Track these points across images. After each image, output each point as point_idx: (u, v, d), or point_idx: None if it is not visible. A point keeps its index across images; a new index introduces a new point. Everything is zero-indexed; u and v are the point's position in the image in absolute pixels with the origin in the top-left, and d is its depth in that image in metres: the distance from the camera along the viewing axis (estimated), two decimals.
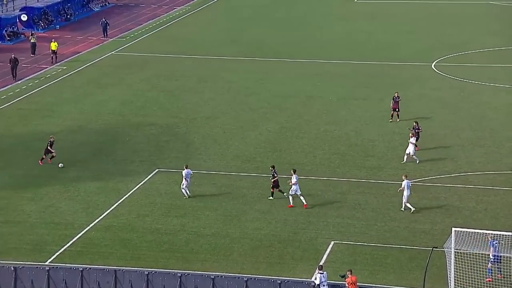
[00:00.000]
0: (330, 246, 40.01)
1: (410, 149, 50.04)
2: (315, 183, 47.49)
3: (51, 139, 51.49)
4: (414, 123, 52.18)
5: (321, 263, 36.63)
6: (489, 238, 35.88)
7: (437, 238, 39.65)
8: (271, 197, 45.31)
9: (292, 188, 44.46)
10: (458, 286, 34.81)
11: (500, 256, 36.05)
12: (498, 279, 36.00)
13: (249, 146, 54.08)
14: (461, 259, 35.29)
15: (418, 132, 51.61)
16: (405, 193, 43.37)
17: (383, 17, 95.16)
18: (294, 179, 44.38)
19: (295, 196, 44.42)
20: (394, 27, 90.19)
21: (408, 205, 43.40)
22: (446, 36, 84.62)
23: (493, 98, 63.69)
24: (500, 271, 36.28)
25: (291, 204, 44.47)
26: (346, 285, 34.37)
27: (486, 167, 49.60)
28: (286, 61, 76.22)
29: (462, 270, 35.14)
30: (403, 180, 43.55)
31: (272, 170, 45.62)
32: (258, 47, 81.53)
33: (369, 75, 70.87)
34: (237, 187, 47.07)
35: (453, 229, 35.31)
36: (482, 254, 35.72)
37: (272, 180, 45.38)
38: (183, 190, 45.88)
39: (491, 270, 36.18)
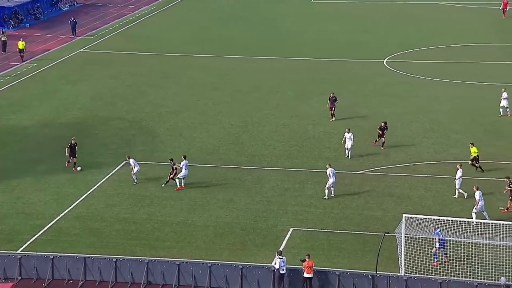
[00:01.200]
0: (289, 232, 41.73)
1: (348, 144, 51.40)
2: (274, 173, 49.36)
3: (72, 141, 50.84)
4: (383, 123, 53.52)
5: (280, 249, 38.40)
6: (432, 228, 37.62)
7: (389, 224, 41.43)
8: (163, 185, 47.37)
9: (181, 173, 47.02)
10: (408, 268, 36.66)
11: (445, 241, 37.86)
12: (444, 262, 37.75)
13: (212, 139, 55.80)
14: (411, 243, 37.15)
15: (382, 132, 53.11)
16: (330, 180, 45.26)
17: (338, 16, 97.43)
18: (182, 164, 47.04)
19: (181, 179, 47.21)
20: (349, 26, 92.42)
21: (327, 191, 45.59)
22: (397, 34, 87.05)
23: (441, 93, 65.85)
24: (446, 254, 38.06)
25: (178, 186, 47.07)
26: (303, 268, 36.30)
27: (434, 157, 51.74)
28: (249, 58, 78.15)
29: (412, 254, 36.98)
30: (327, 169, 45.77)
31: (171, 163, 47.60)
32: (222, 45, 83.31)
33: (326, 71, 72.93)
34: (201, 178, 48.80)
35: (404, 215, 37.38)
36: (430, 238, 37.57)
37: (172, 171, 47.46)
38: (134, 176, 48.13)
39: (437, 254, 37.94)
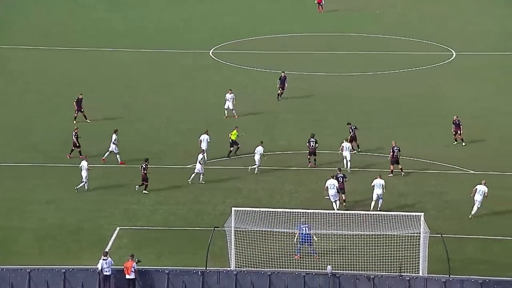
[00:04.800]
0: (116, 232, 40.51)
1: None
2: (101, 170, 47.76)
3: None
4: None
5: (106, 250, 37.02)
6: (301, 223, 37.23)
7: (219, 218, 40.84)
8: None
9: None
10: (239, 262, 36.28)
11: (310, 237, 37.39)
12: (314, 260, 36.99)
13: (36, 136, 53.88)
14: (241, 237, 36.73)
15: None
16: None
17: (156, 4, 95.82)
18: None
19: None
20: (173, 14, 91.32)
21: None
22: (222, 23, 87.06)
23: (267, 82, 65.87)
24: (314, 251, 37.52)
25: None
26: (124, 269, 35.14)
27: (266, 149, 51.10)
28: (74, 50, 75.83)
29: (243, 247, 36.57)
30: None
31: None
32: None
33: (154, 63, 71.97)
34: (19, 178, 46.72)
35: (233, 208, 36.82)
36: (261, 231, 37.06)
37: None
38: None
39: (300, 248, 37.67)
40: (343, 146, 48.07)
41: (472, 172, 48.03)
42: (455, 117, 52.38)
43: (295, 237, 37.40)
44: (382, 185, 42.55)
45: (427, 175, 47.26)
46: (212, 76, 68.21)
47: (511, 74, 68.84)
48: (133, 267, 35.03)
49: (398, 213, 37.36)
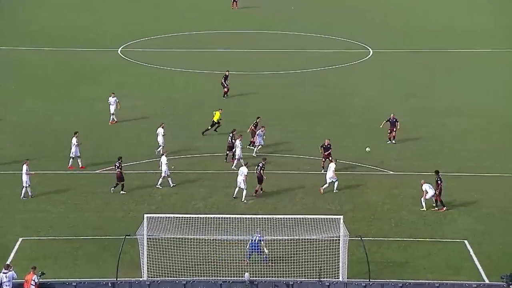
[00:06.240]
0: (18, 243, 38.51)
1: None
2: (1, 177, 45.93)
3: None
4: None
5: (7, 262, 35.02)
6: (256, 232, 36.23)
7: (130, 225, 39.12)
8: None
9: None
10: (152, 272, 35.01)
11: (257, 244, 36.24)
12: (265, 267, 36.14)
13: None
14: (154, 245, 35.44)
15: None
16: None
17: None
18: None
19: None
20: (78, 11, 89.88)
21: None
22: (131, 21, 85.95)
23: (178, 81, 65.06)
24: (266, 259, 36.38)
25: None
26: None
27: (179, 152, 49.98)
28: None
29: (156, 256, 35.34)
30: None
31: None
32: None
33: (60, 63, 70.28)
34: None
35: (145, 215, 35.45)
36: (175, 238, 35.92)
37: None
38: None
39: (250, 255, 36.52)
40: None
41: (392, 172, 47.43)
42: (391, 115, 52.02)
43: (248, 245, 36.51)
44: (333, 170, 44.10)
45: (347, 175, 46.38)
46: (120, 76, 66.94)
47: (427, 72, 68.89)
48: (34, 280, 32.97)
49: (316, 216, 36.41)
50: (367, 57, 73.25)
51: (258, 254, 36.66)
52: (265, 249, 36.54)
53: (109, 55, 72.74)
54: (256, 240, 36.41)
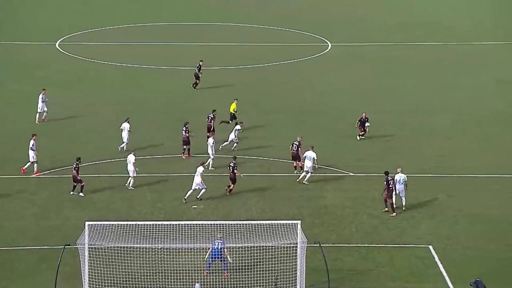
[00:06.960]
0: None
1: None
2: None
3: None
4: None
5: None
6: (217, 238, 34.73)
7: (70, 234, 37.22)
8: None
9: None
10: (92, 282, 33.50)
11: (219, 252, 34.58)
12: (223, 277, 34.49)
13: None
14: (96, 254, 33.78)
15: None
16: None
17: None
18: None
19: None
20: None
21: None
22: (71, 13, 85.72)
23: (126, 76, 64.53)
24: (226, 267, 34.79)
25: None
26: None
27: (122, 155, 47.72)
28: None
29: (98, 267, 33.74)
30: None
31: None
32: None
33: None
34: None
35: (87, 223, 33.81)
36: (119, 247, 34.29)
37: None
38: None
39: (210, 263, 34.92)
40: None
41: (352, 174, 45.76)
42: (363, 114, 50.91)
43: (207, 254, 34.70)
44: (314, 158, 43.91)
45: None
46: (57, 70, 65.94)
47: (388, 65, 68.26)
48: None
49: (272, 222, 34.80)
50: (326, 51, 72.75)
51: (220, 262, 34.86)
52: (228, 257, 34.72)
53: (48, 48, 71.90)
54: (219, 248, 34.68)
